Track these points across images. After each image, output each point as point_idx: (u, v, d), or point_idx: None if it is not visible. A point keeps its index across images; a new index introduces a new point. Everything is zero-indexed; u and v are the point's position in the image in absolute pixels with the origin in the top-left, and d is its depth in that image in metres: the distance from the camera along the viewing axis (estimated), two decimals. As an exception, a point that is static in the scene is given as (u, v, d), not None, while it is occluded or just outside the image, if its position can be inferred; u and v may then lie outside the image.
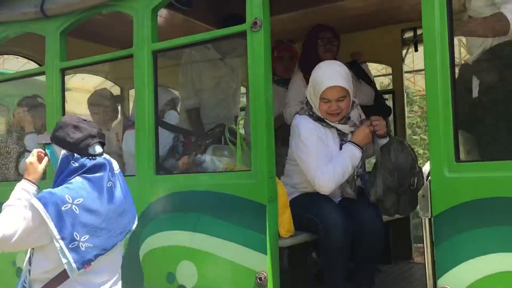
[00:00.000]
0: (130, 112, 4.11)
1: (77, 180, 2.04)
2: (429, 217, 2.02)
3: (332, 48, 3.49)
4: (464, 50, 3.36)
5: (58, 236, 1.90)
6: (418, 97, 11.55)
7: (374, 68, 6.30)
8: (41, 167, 2.20)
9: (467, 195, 1.94)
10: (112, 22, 3.71)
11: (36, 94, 4.11)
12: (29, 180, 2.16)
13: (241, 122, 3.92)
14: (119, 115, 4.24)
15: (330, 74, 2.68)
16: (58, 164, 2.10)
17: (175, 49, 3.04)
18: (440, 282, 1.98)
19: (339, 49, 3.56)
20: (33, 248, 2.03)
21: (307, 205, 2.71)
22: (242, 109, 4.36)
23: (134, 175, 2.89)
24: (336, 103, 2.70)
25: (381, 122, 2.76)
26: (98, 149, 2.14)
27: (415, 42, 4.25)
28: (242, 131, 3.44)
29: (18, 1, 3.33)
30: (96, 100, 4.11)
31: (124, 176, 2.98)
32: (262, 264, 2.38)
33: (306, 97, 2.86)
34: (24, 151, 3.76)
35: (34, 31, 3.36)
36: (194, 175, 3.04)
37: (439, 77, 2.01)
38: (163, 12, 2.99)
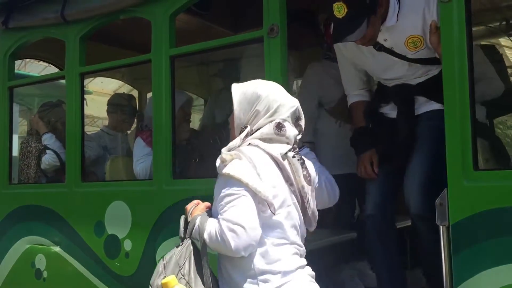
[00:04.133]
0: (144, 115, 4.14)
1: None
2: (446, 226, 1.99)
3: None
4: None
5: None
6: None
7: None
8: None
9: (485, 204, 1.91)
10: (131, 27, 3.75)
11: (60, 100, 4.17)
12: None
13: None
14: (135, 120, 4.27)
15: None
16: None
17: (192, 54, 3.06)
18: (457, 291, 1.96)
19: None
20: None
21: None
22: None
23: (151, 179, 2.92)
24: None
25: None
26: None
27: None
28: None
29: (39, 7, 3.39)
30: (116, 100, 4.15)
31: (139, 180, 3.01)
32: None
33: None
34: (45, 149, 3.81)
35: (55, 36, 3.42)
36: (211, 179, 3.04)
37: (457, 84, 1.99)
38: (180, 16, 3.01)
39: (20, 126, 6.92)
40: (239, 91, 1.90)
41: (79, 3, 3.19)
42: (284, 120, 1.87)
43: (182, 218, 1.93)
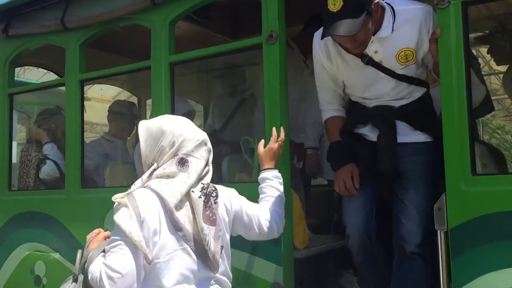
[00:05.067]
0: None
1: None
2: (444, 230, 2.00)
3: None
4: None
5: None
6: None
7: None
8: None
9: (483, 208, 1.92)
10: (130, 34, 3.77)
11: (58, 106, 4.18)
12: None
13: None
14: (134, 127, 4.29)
15: None
16: None
17: (191, 61, 3.07)
18: (456, 296, 1.97)
19: None
20: None
21: None
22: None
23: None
24: None
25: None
26: None
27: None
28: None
29: (39, 14, 3.42)
30: (116, 108, 4.16)
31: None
32: (277, 275, 2.38)
33: None
34: (45, 159, 3.81)
35: (55, 43, 3.44)
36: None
37: (455, 90, 2.00)
38: (179, 24, 3.03)
39: (19, 133, 6.93)
40: (144, 127, 1.88)
41: (79, 10, 3.21)
42: (188, 154, 1.82)
43: (79, 252, 1.92)
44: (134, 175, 3.50)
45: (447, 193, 2.00)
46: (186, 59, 2.96)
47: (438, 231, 2.02)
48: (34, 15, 3.45)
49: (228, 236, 1.93)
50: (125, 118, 4.12)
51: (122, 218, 1.69)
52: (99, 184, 3.73)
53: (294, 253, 2.48)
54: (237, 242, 2.50)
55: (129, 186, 3.10)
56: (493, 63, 3.83)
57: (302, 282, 2.68)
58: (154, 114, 2.92)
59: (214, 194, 1.84)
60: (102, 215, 3.05)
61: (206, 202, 1.79)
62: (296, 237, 2.55)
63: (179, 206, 1.76)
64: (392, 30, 2.18)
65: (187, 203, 1.78)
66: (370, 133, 2.36)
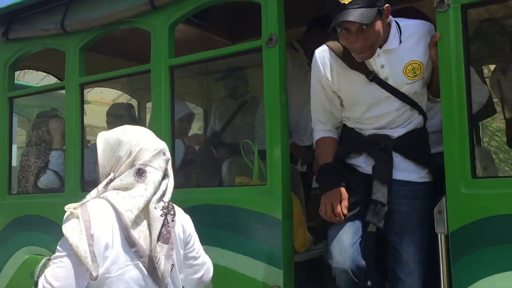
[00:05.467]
0: (146, 126, 4.16)
1: None
2: (445, 234, 2.00)
3: None
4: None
5: None
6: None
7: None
8: None
9: (483, 211, 1.93)
10: (130, 37, 3.77)
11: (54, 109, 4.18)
12: None
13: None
14: None
15: None
16: None
17: (191, 64, 3.08)
18: (456, 299, 1.96)
19: None
20: None
21: None
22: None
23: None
24: None
25: None
26: None
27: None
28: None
29: (39, 18, 3.42)
30: (114, 111, 4.16)
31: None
32: (277, 278, 2.38)
33: None
34: (45, 167, 3.79)
35: (55, 47, 3.44)
36: (210, 189, 3.06)
37: (455, 93, 2.00)
38: (179, 27, 3.03)
39: (19, 136, 6.92)
40: (102, 138, 1.87)
41: (79, 14, 3.21)
42: (146, 165, 1.79)
43: (45, 258, 1.92)
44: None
45: (447, 196, 2.00)
46: (186, 62, 2.96)
47: (439, 235, 2.02)
48: (34, 18, 3.45)
49: (182, 254, 1.90)
50: (124, 120, 4.12)
51: (71, 230, 1.66)
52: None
53: (294, 256, 2.48)
54: (237, 245, 2.51)
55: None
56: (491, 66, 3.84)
57: (302, 285, 2.67)
58: (154, 118, 2.93)
59: (172, 212, 1.82)
60: (102, 219, 3.05)
61: (164, 220, 1.77)
62: (296, 240, 2.55)
63: (135, 222, 1.74)
64: (400, 42, 2.13)
65: (145, 219, 1.76)
66: (363, 164, 2.21)
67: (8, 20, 3.57)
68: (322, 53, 2.25)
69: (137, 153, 1.79)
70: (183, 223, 1.91)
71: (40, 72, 5.51)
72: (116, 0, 3.04)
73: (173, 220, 1.81)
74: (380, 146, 2.16)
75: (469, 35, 2.06)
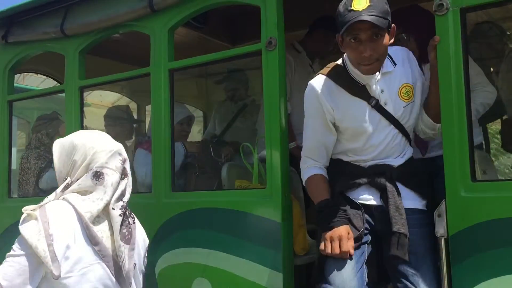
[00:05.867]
0: (146, 128, 4.16)
1: None
2: (445, 237, 2.00)
3: None
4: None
5: None
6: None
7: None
8: None
9: (483, 215, 1.92)
10: (129, 41, 3.78)
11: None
12: None
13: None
14: (134, 133, 4.28)
15: None
16: None
17: (191, 67, 3.08)
18: (457, 303, 1.96)
19: None
20: None
21: None
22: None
23: (150, 192, 2.93)
24: None
25: None
26: None
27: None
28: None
29: (38, 21, 3.42)
30: (113, 113, 4.16)
31: (138, 193, 3.03)
32: (277, 282, 2.37)
33: None
34: (47, 166, 3.79)
35: (54, 50, 3.44)
36: (210, 192, 3.06)
37: (454, 97, 2.01)
38: (179, 30, 3.04)
39: (19, 139, 6.92)
40: (58, 144, 1.90)
41: (79, 17, 3.22)
42: (103, 167, 1.82)
43: None
44: (133, 182, 3.49)
45: (447, 199, 2.00)
46: (186, 65, 2.96)
47: (439, 238, 2.01)
48: (33, 22, 3.46)
49: (142, 255, 1.94)
50: (121, 122, 4.11)
51: (29, 231, 1.68)
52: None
53: (294, 259, 2.48)
54: (237, 248, 2.51)
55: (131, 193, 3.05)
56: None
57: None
58: (153, 121, 2.93)
59: (132, 215, 1.87)
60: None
61: (124, 220, 1.81)
62: (296, 243, 2.55)
63: (96, 221, 1.77)
64: (395, 65, 2.16)
65: (106, 220, 1.79)
66: (366, 195, 2.13)
67: (7, 23, 3.57)
68: (319, 82, 2.17)
69: (92, 156, 1.83)
70: (143, 231, 1.95)
71: (39, 75, 5.50)
72: (116, 4, 3.04)
73: (134, 222, 1.86)
74: (386, 175, 2.10)
75: (468, 38, 2.06)
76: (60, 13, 3.30)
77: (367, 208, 2.12)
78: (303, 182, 2.28)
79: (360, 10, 1.93)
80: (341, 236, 2.02)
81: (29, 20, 3.48)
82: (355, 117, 2.13)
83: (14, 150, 4.05)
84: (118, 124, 4.08)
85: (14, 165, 3.96)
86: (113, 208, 1.79)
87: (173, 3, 2.84)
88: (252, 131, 3.58)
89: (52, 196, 1.81)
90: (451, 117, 2.01)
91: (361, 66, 2.06)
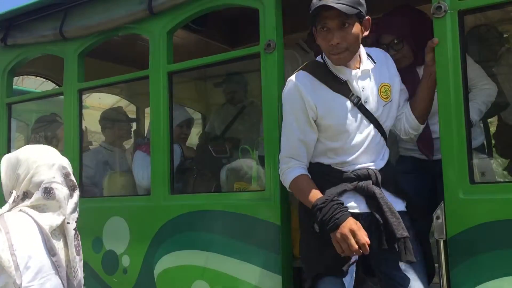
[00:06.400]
0: (146, 131, 4.16)
1: None
2: (444, 239, 2.00)
3: None
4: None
5: None
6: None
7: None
8: None
9: (482, 217, 1.93)
10: (129, 43, 3.78)
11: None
12: None
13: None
14: (132, 135, 4.27)
15: None
16: None
17: (190, 70, 3.08)
18: (455, 305, 1.96)
19: None
20: None
21: None
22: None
23: (149, 195, 2.93)
24: None
25: None
26: None
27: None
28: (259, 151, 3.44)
29: (37, 24, 3.43)
30: (110, 115, 4.15)
31: (137, 196, 3.02)
32: (276, 284, 2.37)
33: None
34: None
35: (53, 53, 3.45)
36: (209, 194, 3.06)
37: (452, 99, 2.01)
38: (178, 32, 3.04)
39: (18, 141, 6.92)
40: (5, 159, 1.94)
41: (77, 20, 3.22)
42: (51, 182, 1.86)
43: None
44: (133, 184, 3.50)
45: (445, 202, 2.00)
46: (185, 68, 2.97)
47: (437, 240, 2.02)
48: (32, 25, 3.46)
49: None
50: (122, 124, 4.10)
51: None
52: (98, 193, 3.73)
53: (293, 261, 2.48)
54: (236, 251, 2.51)
55: (127, 196, 3.14)
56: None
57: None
58: (152, 124, 2.93)
59: (76, 227, 1.93)
60: (101, 225, 3.05)
61: (75, 233, 1.89)
62: (295, 246, 2.54)
63: (53, 234, 1.83)
64: (375, 62, 2.14)
65: (61, 232, 1.86)
66: (352, 202, 2.03)
67: (6, 26, 3.58)
68: (302, 79, 2.09)
69: (34, 170, 1.87)
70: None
71: (38, 78, 5.50)
72: (115, 7, 3.05)
73: (79, 234, 1.93)
74: (372, 180, 2.02)
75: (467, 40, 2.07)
76: (59, 15, 3.30)
77: (355, 216, 1.98)
78: (287, 184, 2.15)
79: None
80: (352, 230, 1.89)
81: (28, 23, 3.48)
82: (337, 114, 2.06)
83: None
84: (115, 126, 4.07)
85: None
86: (68, 222, 1.86)
87: (172, 6, 2.84)
88: (251, 133, 3.59)
89: (6, 207, 1.86)
90: (450, 119, 2.02)
91: (331, 56, 2.03)
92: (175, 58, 2.93)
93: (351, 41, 1.99)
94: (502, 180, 2.96)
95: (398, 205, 2.08)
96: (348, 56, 2.03)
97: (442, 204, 2.00)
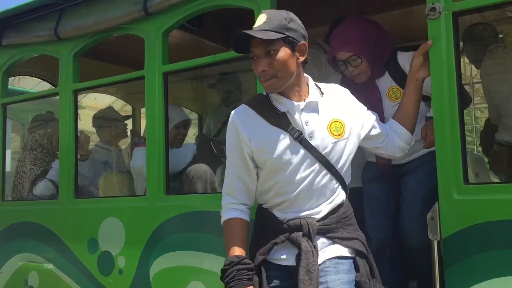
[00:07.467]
0: (142, 131, 4.15)
1: None
2: (438, 240, 2.01)
3: None
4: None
5: None
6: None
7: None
8: None
9: (476, 217, 1.93)
10: (124, 43, 3.77)
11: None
12: None
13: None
14: (128, 134, 4.27)
15: None
16: None
17: (185, 70, 3.08)
18: (449, 305, 1.97)
19: None
20: None
21: None
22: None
23: (144, 195, 2.93)
24: None
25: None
26: None
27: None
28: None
29: (32, 24, 3.42)
30: (104, 115, 4.13)
31: (132, 196, 3.01)
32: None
33: None
34: (41, 175, 3.77)
35: (48, 53, 3.44)
36: (204, 195, 3.06)
37: (446, 99, 2.02)
38: (173, 32, 3.04)
39: (14, 142, 6.90)
40: None
41: (73, 20, 3.22)
42: None
43: None
44: (129, 184, 3.50)
45: (439, 202, 2.00)
46: (180, 69, 2.96)
47: (431, 241, 2.02)
48: (27, 25, 3.46)
49: None
50: (118, 124, 4.09)
51: None
52: (93, 194, 3.73)
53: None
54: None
55: (124, 196, 3.13)
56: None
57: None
58: (148, 124, 2.93)
59: None
60: (96, 226, 3.05)
61: None
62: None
63: None
64: (322, 94, 2.00)
65: None
66: (285, 255, 1.91)
67: (1, 26, 3.57)
68: (240, 112, 1.98)
69: None
70: None
71: (35, 78, 5.50)
72: (110, 7, 3.04)
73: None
74: (304, 232, 1.86)
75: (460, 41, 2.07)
76: (54, 16, 3.30)
77: (286, 269, 1.88)
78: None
79: (255, 27, 1.86)
80: None
81: (23, 23, 3.48)
82: (273, 148, 1.89)
83: (8, 152, 4.04)
84: (112, 126, 4.06)
85: (8, 168, 3.94)
86: None
87: (167, 6, 2.84)
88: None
89: None
90: (444, 119, 2.02)
91: (262, 83, 1.92)
92: (171, 58, 2.92)
93: (278, 67, 1.86)
94: (496, 181, 2.97)
95: (346, 251, 1.92)
96: (277, 82, 1.89)
97: (436, 205, 2.01)
